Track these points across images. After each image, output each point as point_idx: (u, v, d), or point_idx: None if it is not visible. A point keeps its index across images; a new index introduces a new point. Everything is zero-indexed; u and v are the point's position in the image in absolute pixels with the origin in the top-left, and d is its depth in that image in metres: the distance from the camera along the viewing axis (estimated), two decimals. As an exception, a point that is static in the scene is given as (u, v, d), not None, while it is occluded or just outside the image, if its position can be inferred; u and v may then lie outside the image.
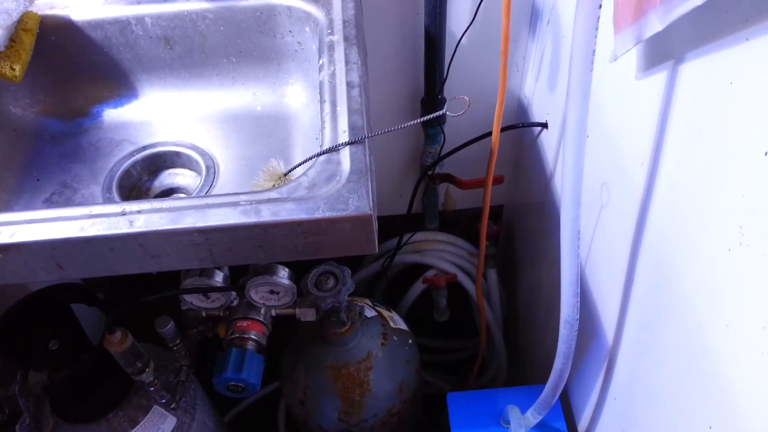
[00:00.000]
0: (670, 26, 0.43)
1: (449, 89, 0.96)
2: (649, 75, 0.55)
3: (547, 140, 0.93)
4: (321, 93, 0.64)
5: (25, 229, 0.53)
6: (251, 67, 0.81)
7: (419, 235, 1.23)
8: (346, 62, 0.66)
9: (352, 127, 0.60)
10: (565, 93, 0.49)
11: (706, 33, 0.45)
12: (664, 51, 0.52)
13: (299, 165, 0.60)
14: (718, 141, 0.45)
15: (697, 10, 0.39)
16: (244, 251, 0.55)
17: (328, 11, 0.72)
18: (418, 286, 1.23)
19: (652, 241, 0.57)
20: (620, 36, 0.53)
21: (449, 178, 1.09)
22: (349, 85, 0.64)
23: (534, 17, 0.91)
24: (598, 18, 0.46)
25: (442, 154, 1.05)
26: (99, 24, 0.76)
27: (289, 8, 0.75)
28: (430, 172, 1.09)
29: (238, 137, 0.80)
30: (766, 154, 0.39)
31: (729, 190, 0.43)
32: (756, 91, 0.40)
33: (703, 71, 0.46)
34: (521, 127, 0.98)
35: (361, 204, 0.53)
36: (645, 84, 0.56)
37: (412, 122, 0.63)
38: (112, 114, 0.82)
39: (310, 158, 0.58)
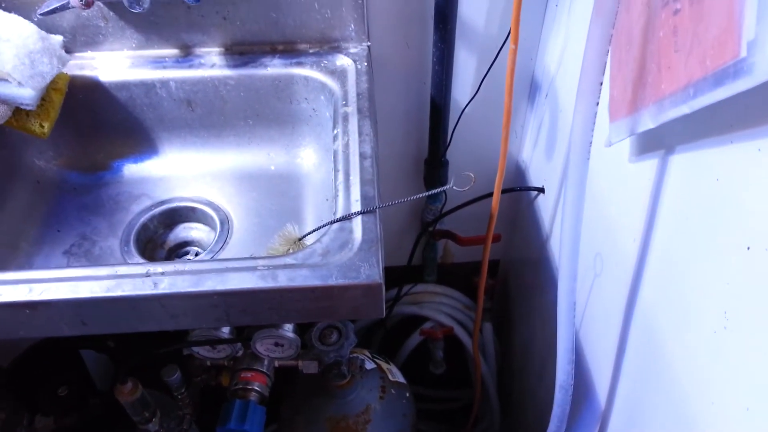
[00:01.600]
0: (661, 124, 0.48)
1: (452, 152, 1.01)
2: (642, 160, 0.60)
3: (544, 204, 0.97)
4: (335, 162, 0.69)
5: (54, 287, 0.56)
6: (267, 130, 0.86)
7: (418, 287, 1.26)
8: (359, 133, 0.71)
9: (364, 197, 0.64)
10: (562, 165, 0.54)
11: (695, 132, 0.49)
12: (655, 141, 0.56)
13: (314, 231, 0.64)
14: (705, 231, 0.49)
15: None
16: (259, 313, 0.58)
17: (344, 83, 0.77)
18: (416, 338, 1.25)
19: (643, 314, 0.61)
20: (615, 125, 0.58)
21: (449, 235, 1.13)
22: (362, 156, 0.68)
23: (533, 89, 0.97)
24: (596, 114, 0.51)
25: (443, 211, 1.10)
26: (125, 85, 0.80)
27: (306, 78, 0.80)
28: (430, 228, 1.13)
29: (252, 195, 0.84)
30: (748, 248, 0.43)
31: (715, 276, 0.47)
32: (740, 190, 0.44)
33: (692, 165, 0.51)
34: (519, 191, 1.03)
35: (371, 273, 0.57)
36: (638, 167, 0.61)
37: (420, 195, 0.68)
38: (132, 169, 0.86)
39: (324, 225, 0.62)
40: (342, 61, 0.80)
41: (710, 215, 0.48)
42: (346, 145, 0.70)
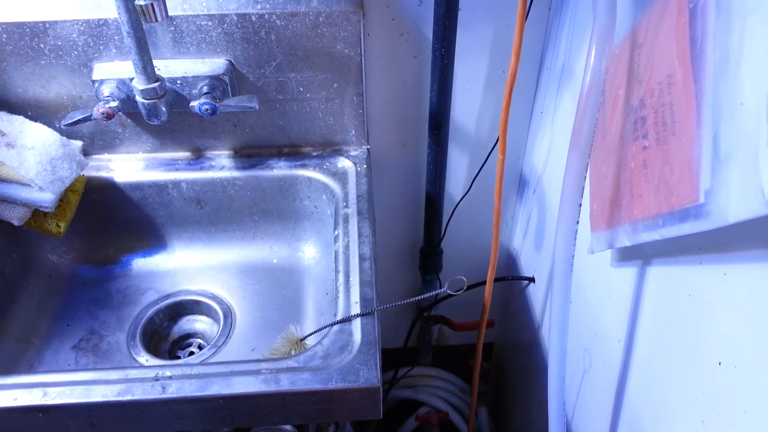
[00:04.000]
0: (636, 246, 0.52)
1: (447, 242, 1.06)
2: (622, 267, 0.64)
3: (535, 293, 1.01)
4: (336, 263, 0.73)
5: (67, 391, 0.58)
6: (271, 225, 0.90)
7: (414, 370, 1.28)
8: (359, 235, 0.75)
9: (363, 298, 0.67)
10: (550, 258, 0.58)
11: (669, 249, 0.54)
12: (634, 251, 0.61)
13: (315, 332, 0.67)
14: (681, 342, 0.52)
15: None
16: (262, 415, 0.61)
17: (344, 184, 0.83)
18: (411, 423, 1.26)
19: (630, 411, 0.63)
20: (596, 235, 0.62)
21: (444, 320, 1.16)
22: (361, 258, 0.72)
23: (522, 185, 1.02)
24: (576, 231, 0.56)
25: (439, 298, 1.13)
26: (139, 186, 0.85)
27: (309, 179, 0.85)
28: (426, 314, 1.16)
29: (255, 288, 0.87)
30: (720, 363, 0.47)
31: (692, 386, 0.51)
32: (710, 308, 0.48)
33: (667, 278, 0.55)
34: (511, 280, 1.07)
35: (370, 376, 0.60)
36: (619, 272, 0.65)
37: (417, 298, 0.71)
38: (140, 263, 0.90)
39: (326, 327, 0.65)
40: (343, 163, 0.86)
41: (685, 328, 0.52)
42: (347, 246, 0.74)
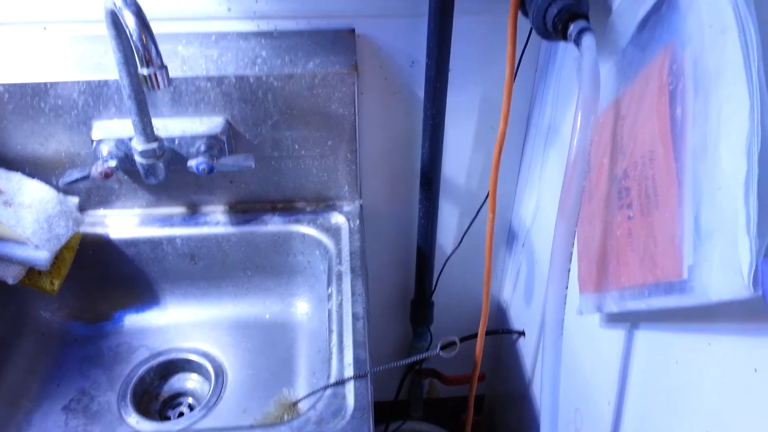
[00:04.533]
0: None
1: (438, 294, 1.06)
2: (610, 328, 0.65)
3: (525, 347, 1.02)
4: (330, 322, 0.73)
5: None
6: (264, 280, 0.91)
7: (405, 426, 1.26)
8: (353, 293, 0.76)
9: (356, 360, 0.67)
10: (540, 312, 0.58)
11: (655, 316, 0.55)
12: (621, 314, 0.62)
13: (308, 396, 0.67)
14: (670, 408, 0.53)
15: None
16: (255, 480, 0.60)
17: (338, 241, 0.84)
18: (404, 477, 1.24)
19: (624, 477, 0.63)
20: (584, 297, 0.63)
21: (434, 374, 1.16)
22: (354, 317, 0.73)
23: (511, 237, 1.04)
24: (566, 296, 0.57)
25: (429, 350, 1.13)
26: (134, 242, 0.86)
27: (303, 235, 0.86)
28: (417, 367, 1.16)
29: (247, 345, 0.87)
30: None
31: (682, 453, 0.51)
32: (697, 377, 0.49)
33: (655, 343, 0.56)
34: (501, 333, 1.07)
35: (364, 441, 0.59)
36: (608, 333, 0.66)
37: (409, 360, 0.72)
38: (132, 319, 0.89)
39: (319, 390, 0.65)
40: (336, 218, 0.87)
41: (674, 394, 0.52)
42: (340, 305, 0.74)
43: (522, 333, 1.01)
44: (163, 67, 0.57)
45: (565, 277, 0.55)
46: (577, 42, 0.53)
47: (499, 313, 1.15)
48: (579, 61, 0.51)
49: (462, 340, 1.10)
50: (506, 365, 1.13)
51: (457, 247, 0.99)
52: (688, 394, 0.50)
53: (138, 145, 0.72)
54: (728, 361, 0.44)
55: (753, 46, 0.35)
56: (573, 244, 0.55)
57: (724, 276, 0.36)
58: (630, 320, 0.60)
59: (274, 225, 0.87)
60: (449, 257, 1.01)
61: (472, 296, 1.11)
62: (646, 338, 0.58)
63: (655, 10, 0.47)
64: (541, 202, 0.89)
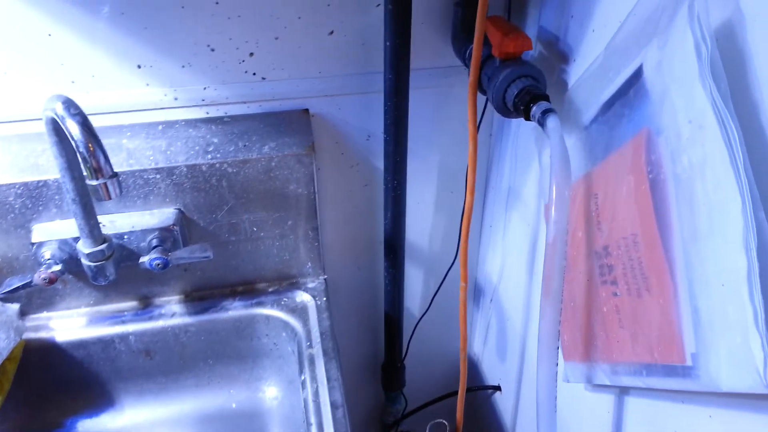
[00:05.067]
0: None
1: (409, 357, 1.04)
2: (597, 392, 0.65)
3: (503, 402, 1.00)
4: (307, 414, 0.69)
5: None
6: (227, 367, 0.86)
7: (383, 491, 1.22)
8: (328, 379, 0.72)
9: (342, 456, 0.64)
10: (517, 367, 0.57)
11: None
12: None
13: (295, 501, 0.62)
14: (672, 479, 0.52)
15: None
16: None
17: (305, 321, 0.80)
18: None
19: None
20: (570, 365, 0.63)
21: (412, 437, 1.12)
22: (333, 406, 0.69)
23: (477, 293, 1.03)
24: (556, 373, 0.56)
25: (405, 412, 1.10)
26: (82, 344, 0.79)
27: (267, 317, 0.82)
28: (392, 431, 1.12)
29: (215, 440, 0.82)
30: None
31: None
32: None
33: (648, 411, 0.55)
34: (477, 390, 1.06)
35: None
36: (595, 397, 0.66)
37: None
38: (86, 425, 0.82)
39: (306, 493, 0.61)
40: (301, 297, 0.84)
41: (675, 465, 0.52)
42: (316, 394, 0.71)
43: (498, 388, 1.00)
44: (114, 176, 0.53)
45: (555, 355, 0.54)
46: (542, 123, 0.53)
47: (470, 368, 1.14)
48: (540, 142, 0.51)
49: (436, 400, 1.08)
50: (483, 420, 1.11)
51: (426, 311, 0.98)
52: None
53: (85, 248, 0.67)
54: (732, 437, 0.44)
55: (736, 141, 0.35)
56: (559, 322, 0.54)
57: (735, 370, 0.36)
58: (618, 387, 0.60)
59: (235, 310, 0.83)
60: (419, 321, 0.99)
61: (442, 356, 1.09)
62: (637, 405, 0.57)
63: (620, 93, 0.48)
64: (506, 260, 0.89)
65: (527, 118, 0.56)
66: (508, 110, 0.59)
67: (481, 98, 0.73)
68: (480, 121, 0.78)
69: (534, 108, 0.54)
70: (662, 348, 0.43)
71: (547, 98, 0.55)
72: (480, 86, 0.63)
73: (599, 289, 0.53)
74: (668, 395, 0.51)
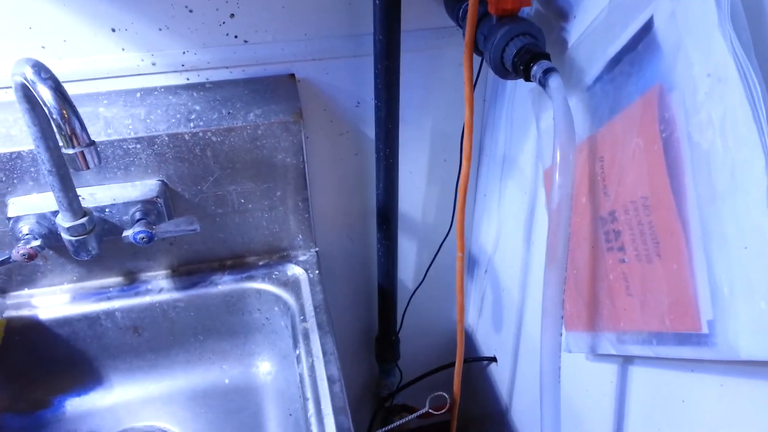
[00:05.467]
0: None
1: (403, 329, 1.02)
2: (599, 362, 0.63)
3: (498, 373, 0.99)
4: (303, 389, 0.67)
5: None
6: (218, 342, 0.84)
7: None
8: (324, 353, 0.70)
9: (339, 429, 0.62)
10: (513, 338, 0.55)
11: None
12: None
13: (292, 478, 0.61)
14: (678, 448, 0.51)
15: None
16: None
17: (298, 295, 0.78)
18: None
19: None
20: (573, 335, 0.61)
21: (407, 409, 1.12)
22: (330, 380, 0.67)
23: (471, 264, 1.02)
24: (560, 344, 0.54)
25: (400, 385, 1.09)
26: (67, 321, 0.77)
27: (258, 291, 0.80)
28: (386, 405, 1.11)
29: (208, 416, 0.80)
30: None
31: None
32: (707, 418, 0.47)
33: (655, 381, 0.54)
34: (472, 361, 1.05)
35: None
36: (597, 367, 0.64)
37: (400, 422, 0.67)
38: (75, 403, 0.80)
39: (303, 470, 0.60)
40: (293, 270, 0.81)
41: (682, 433, 0.51)
42: (312, 368, 0.69)
43: (494, 359, 0.99)
44: (91, 144, 0.50)
45: (559, 324, 0.53)
46: (543, 83, 0.51)
47: (466, 340, 1.13)
48: (539, 105, 0.48)
49: (430, 373, 1.07)
50: (479, 391, 1.10)
51: (420, 283, 0.96)
52: (699, 436, 0.48)
53: (64, 222, 0.64)
54: (744, 405, 0.42)
55: (759, 96, 0.33)
56: (563, 291, 0.52)
57: (757, 337, 0.34)
58: (620, 356, 0.58)
59: (224, 285, 0.80)
60: (413, 293, 0.97)
61: (437, 328, 1.08)
62: (642, 375, 0.56)
63: (628, 48, 0.45)
64: (502, 229, 0.87)
65: (527, 79, 0.53)
66: (506, 71, 0.56)
67: (476, 60, 0.70)
68: (474, 85, 0.75)
69: (535, 67, 0.51)
70: (675, 315, 0.41)
71: (548, 57, 0.52)
72: (475, 47, 0.60)
73: (605, 256, 0.51)
74: (676, 364, 0.50)
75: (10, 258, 0.67)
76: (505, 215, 0.85)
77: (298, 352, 0.72)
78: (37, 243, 0.67)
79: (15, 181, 0.67)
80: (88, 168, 0.50)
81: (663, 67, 0.40)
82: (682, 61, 0.38)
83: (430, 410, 0.65)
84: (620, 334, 0.50)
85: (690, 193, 0.38)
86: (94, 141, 0.50)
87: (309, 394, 0.67)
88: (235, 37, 0.68)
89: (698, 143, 0.37)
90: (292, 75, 0.72)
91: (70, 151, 0.49)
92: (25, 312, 0.76)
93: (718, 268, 0.36)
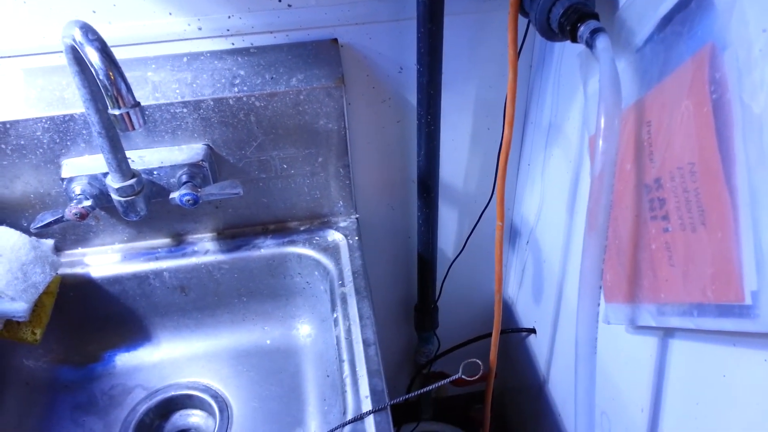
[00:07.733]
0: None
1: (442, 298, 1.03)
2: (640, 335, 0.62)
3: (537, 345, 0.99)
4: (339, 351, 0.69)
5: None
6: (261, 304, 0.86)
7: (418, 427, 1.23)
8: (360, 317, 0.71)
9: (373, 391, 0.63)
10: (553, 310, 0.55)
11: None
12: (652, 321, 0.59)
13: (327, 435, 0.63)
14: (717, 421, 0.50)
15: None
16: None
17: (338, 260, 0.79)
18: (419, 483, 1.21)
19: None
20: (612, 307, 0.60)
21: (444, 376, 1.12)
22: (365, 343, 0.68)
23: (513, 235, 1.00)
24: (597, 314, 0.53)
25: (438, 353, 1.10)
26: (118, 279, 0.80)
27: (299, 256, 0.81)
28: (424, 371, 1.12)
29: (250, 375, 0.82)
30: (764, 450, 0.44)
31: (735, 471, 0.48)
32: (749, 394, 0.46)
33: (695, 354, 0.52)
34: (511, 332, 1.04)
35: (393, 483, 0.56)
36: (637, 340, 0.63)
37: (431, 387, 0.68)
38: (124, 358, 0.84)
39: (337, 428, 0.61)
40: (333, 236, 0.82)
41: (721, 408, 0.49)
42: (348, 331, 0.70)
43: (533, 330, 0.98)
44: (136, 105, 0.51)
45: (597, 294, 0.52)
46: (590, 44, 0.49)
47: (505, 311, 1.12)
48: (586, 69, 0.46)
49: (468, 342, 1.07)
50: (517, 362, 1.10)
51: (460, 252, 0.96)
52: (740, 409, 0.47)
53: (114, 183, 0.66)
54: (790, 382, 0.41)
55: (819, 53, 0.31)
56: (603, 260, 0.51)
57: (802, 310, 0.32)
58: (662, 328, 0.57)
59: (267, 248, 0.82)
60: (452, 263, 0.97)
61: (476, 298, 1.07)
62: (683, 348, 0.54)
63: (680, 6, 0.43)
64: (546, 199, 0.85)
65: (574, 40, 0.51)
66: (552, 32, 0.54)
67: (522, 23, 0.68)
68: (520, 50, 0.73)
69: (582, 28, 0.50)
70: (717, 286, 0.40)
71: (596, 17, 0.50)
72: (521, 7, 0.58)
73: (648, 225, 0.50)
74: (718, 337, 0.48)
75: (63, 217, 0.70)
76: (549, 185, 0.83)
77: (335, 315, 0.73)
78: (88, 203, 0.70)
79: (68, 143, 0.70)
80: (133, 129, 0.51)
81: (716, 25, 0.38)
82: (737, 17, 0.36)
83: (462, 376, 0.65)
84: (661, 305, 0.49)
85: (739, 158, 0.36)
86: (139, 102, 0.52)
87: (345, 356, 0.68)
88: (279, 1, 0.68)
89: (749, 105, 0.35)
90: (335, 40, 0.72)
91: (116, 112, 0.51)
92: (78, 270, 0.80)
93: (765, 237, 0.35)
